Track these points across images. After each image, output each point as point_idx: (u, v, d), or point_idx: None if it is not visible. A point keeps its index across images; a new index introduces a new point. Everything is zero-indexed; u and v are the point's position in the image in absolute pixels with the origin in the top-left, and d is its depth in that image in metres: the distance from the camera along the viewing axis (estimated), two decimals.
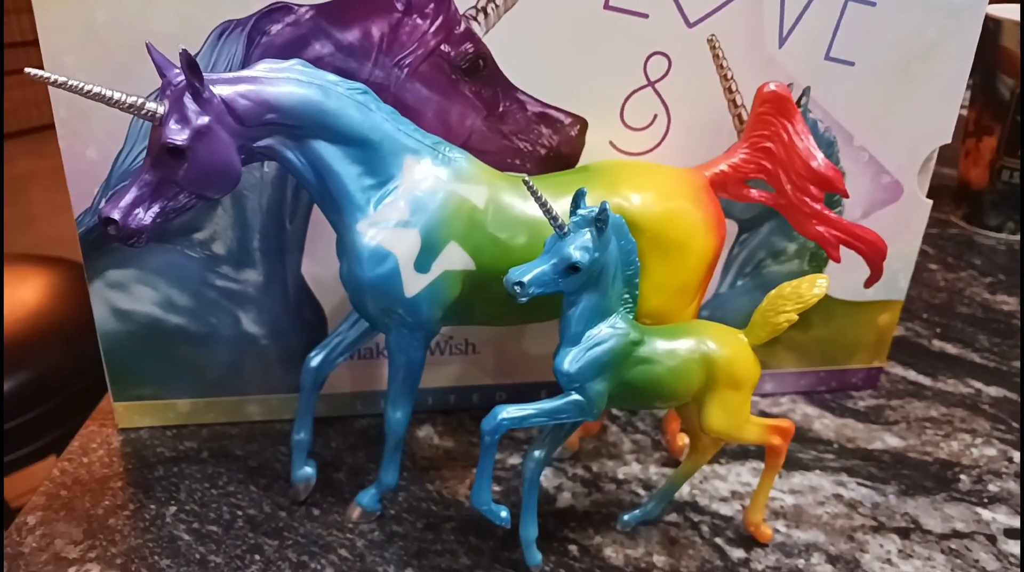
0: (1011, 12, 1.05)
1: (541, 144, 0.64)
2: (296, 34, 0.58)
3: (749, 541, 0.61)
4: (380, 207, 0.53)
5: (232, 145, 0.48)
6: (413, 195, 0.53)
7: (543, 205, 0.47)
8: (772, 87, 0.59)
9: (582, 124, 0.63)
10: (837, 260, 0.61)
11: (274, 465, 0.67)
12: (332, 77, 0.51)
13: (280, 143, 0.51)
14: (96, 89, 0.46)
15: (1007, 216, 1.12)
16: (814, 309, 0.74)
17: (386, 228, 0.53)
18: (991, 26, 1.04)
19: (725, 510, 0.64)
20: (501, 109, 0.62)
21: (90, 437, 0.69)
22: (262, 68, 0.50)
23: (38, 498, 0.63)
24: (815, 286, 0.53)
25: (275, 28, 0.57)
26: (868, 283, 0.64)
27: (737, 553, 0.60)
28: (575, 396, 0.52)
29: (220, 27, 0.57)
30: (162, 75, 0.48)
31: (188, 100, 0.47)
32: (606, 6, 0.60)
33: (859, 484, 0.68)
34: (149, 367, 0.68)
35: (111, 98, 0.46)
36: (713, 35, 0.62)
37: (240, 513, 0.62)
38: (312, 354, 0.60)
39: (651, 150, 0.65)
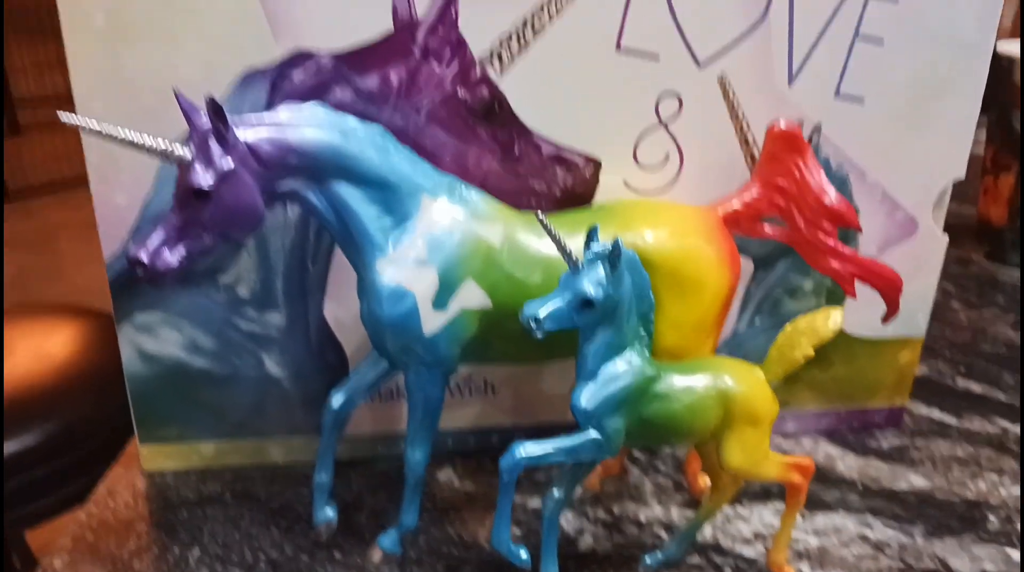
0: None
1: (556, 185, 0.65)
2: (318, 81, 0.60)
3: None
4: (398, 246, 0.54)
5: (255, 188, 0.50)
6: (431, 234, 0.54)
7: (556, 241, 0.48)
8: (782, 125, 0.60)
9: (596, 165, 0.65)
10: (853, 295, 0.62)
11: (296, 507, 0.67)
12: (352, 120, 0.53)
13: (302, 185, 0.52)
14: (126, 134, 0.48)
15: (1022, 255, 1.11)
16: (833, 347, 0.74)
17: (404, 267, 0.54)
18: (1004, 64, 1.05)
19: (748, 552, 0.64)
20: (517, 151, 0.63)
21: (116, 480, 0.70)
22: (284, 114, 0.51)
23: (64, 541, 0.63)
24: (829, 320, 0.53)
25: (298, 75, 0.59)
26: (885, 319, 0.64)
27: None
28: (593, 433, 0.52)
29: (244, 73, 0.59)
30: (189, 120, 0.49)
31: (213, 144, 0.48)
32: (618, 48, 0.61)
33: (885, 525, 0.66)
34: (174, 409, 0.69)
35: (140, 143, 0.48)
36: (723, 75, 0.63)
37: (263, 555, 0.62)
38: (333, 394, 0.61)
39: (664, 189, 0.66)
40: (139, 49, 0.58)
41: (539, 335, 0.48)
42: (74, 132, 0.51)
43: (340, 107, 0.59)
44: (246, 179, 0.49)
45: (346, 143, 0.52)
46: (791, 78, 0.64)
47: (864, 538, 0.65)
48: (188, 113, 0.49)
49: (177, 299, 0.65)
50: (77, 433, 1.48)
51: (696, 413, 0.53)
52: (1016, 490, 0.70)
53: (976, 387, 0.86)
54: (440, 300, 0.54)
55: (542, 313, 0.48)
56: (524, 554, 0.54)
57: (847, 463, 0.74)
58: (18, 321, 1.69)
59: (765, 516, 0.67)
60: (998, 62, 1.06)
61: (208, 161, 0.48)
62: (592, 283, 0.48)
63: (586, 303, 0.49)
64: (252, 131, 0.50)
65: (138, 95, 0.59)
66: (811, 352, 0.53)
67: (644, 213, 0.59)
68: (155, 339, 0.66)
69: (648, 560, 0.61)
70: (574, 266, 0.49)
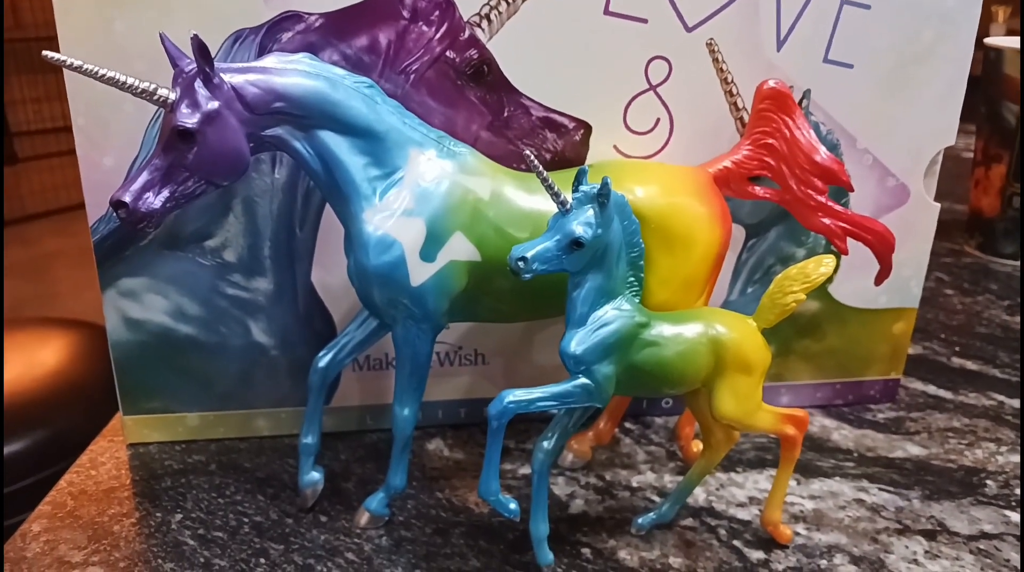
0: (1012, 41, 1.07)
1: (546, 149, 0.65)
2: (306, 42, 0.60)
3: (768, 543, 0.59)
4: (385, 197, 0.54)
5: (241, 131, 0.50)
6: (418, 185, 0.54)
7: (545, 180, 0.48)
8: (772, 84, 0.60)
9: (586, 128, 0.64)
10: (845, 252, 0.61)
11: (282, 476, 0.66)
12: (339, 70, 0.53)
13: (288, 133, 0.52)
14: (110, 74, 0.48)
15: (1020, 243, 1.11)
16: (827, 318, 0.73)
17: (391, 217, 0.53)
18: (992, 55, 1.06)
19: (743, 515, 0.63)
20: (506, 114, 0.63)
21: (99, 452, 0.69)
22: (271, 60, 0.51)
23: (44, 507, 0.62)
24: (821, 265, 0.52)
25: (286, 36, 0.59)
26: (879, 279, 0.63)
27: (756, 555, 0.58)
28: (582, 379, 0.51)
29: (233, 35, 0.59)
30: (174, 64, 0.49)
31: (199, 86, 0.48)
32: (606, 11, 0.62)
33: (881, 489, 0.66)
34: (159, 379, 0.68)
35: (124, 82, 0.48)
36: (712, 39, 0.64)
37: (246, 520, 0.61)
38: (320, 354, 0.60)
39: (655, 154, 0.66)
40: (129, 12, 0.58)
41: (526, 276, 0.48)
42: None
43: None
44: (231, 122, 0.49)
45: (333, 91, 0.52)
46: (779, 43, 0.65)
47: (860, 501, 0.64)
48: (174, 57, 0.49)
49: (163, 264, 0.65)
50: (67, 442, 1.46)
51: (687, 360, 0.52)
52: (1014, 457, 0.69)
53: (972, 365, 0.85)
54: (428, 251, 0.54)
55: (530, 254, 0.48)
56: (513, 505, 0.53)
57: (843, 434, 0.73)
58: (10, 333, 1.68)
59: (760, 482, 0.66)
60: (987, 53, 1.07)
61: (193, 102, 0.48)
62: (581, 223, 0.48)
63: (575, 244, 0.48)
64: (238, 75, 0.50)
65: (128, 60, 0.59)
66: (803, 297, 0.52)
67: (634, 171, 0.59)
68: (140, 305, 0.65)
69: (640, 521, 0.60)
70: (563, 206, 0.48)
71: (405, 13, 0.60)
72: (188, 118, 0.48)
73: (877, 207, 0.71)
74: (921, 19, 0.66)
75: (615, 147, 0.66)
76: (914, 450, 0.71)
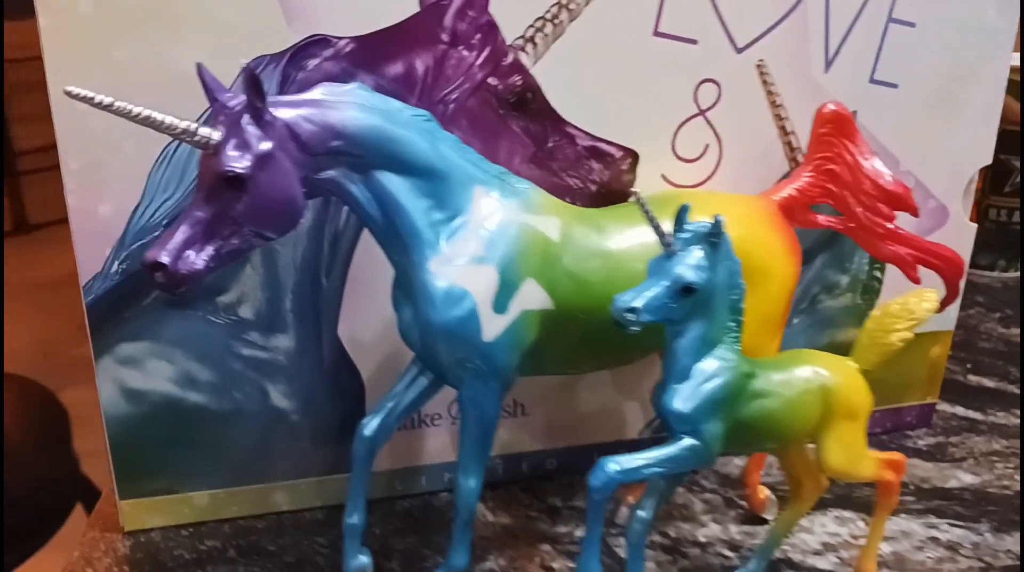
0: None
1: (591, 180, 0.60)
2: (335, 69, 0.53)
3: None
4: (452, 243, 0.47)
5: (295, 175, 0.43)
6: (486, 229, 0.48)
7: (653, 220, 0.43)
8: (831, 107, 0.57)
9: (633, 157, 0.60)
10: (917, 281, 0.59)
11: (314, 559, 0.59)
12: (396, 103, 0.47)
13: (343, 175, 0.45)
14: (145, 112, 0.40)
15: (998, 254, 1.13)
16: None
17: (461, 265, 0.47)
18: None
19: (822, 564, 0.59)
20: (550, 144, 0.58)
21: (92, 545, 0.59)
22: (321, 91, 0.45)
23: None
24: (924, 300, 0.49)
25: (312, 63, 0.53)
26: (945, 304, 0.61)
27: None
28: (689, 440, 0.46)
29: (253, 63, 0.52)
30: (213, 99, 0.42)
31: (248, 123, 0.41)
32: (655, 32, 0.57)
33: (951, 525, 0.63)
34: (163, 456, 0.59)
35: (161, 122, 0.40)
36: (762, 60, 0.60)
37: None
38: (365, 421, 0.53)
39: (703, 182, 0.62)
40: (131, 39, 0.50)
41: (635, 328, 0.43)
42: None
43: None
44: (285, 164, 0.42)
45: (392, 126, 0.46)
46: (827, 64, 0.62)
47: (935, 540, 0.61)
48: (213, 89, 0.42)
49: (169, 325, 0.56)
50: (16, 501, 1.32)
51: (796, 411, 0.48)
52: None
53: (988, 382, 0.85)
54: (500, 302, 0.48)
55: (639, 302, 0.43)
56: None
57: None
58: None
59: (828, 525, 0.63)
60: None
61: (243, 142, 0.41)
62: (691, 267, 0.43)
63: (686, 290, 0.43)
64: (290, 109, 0.43)
65: (131, 94, 0.50)
66: (910, 335, 0.49)
67: (703, 202, 0.55)
68: (141, 373, 0.57)
69: None
70: (669, 248, 0.44)
71: (444, 37, 0.54)
72: (238, 161, 0.41)
73: (918, 229, 0.68)
74: (963, 36, 0.64)
75: (663, 176, 0.61)
76: (967, 478, 0.69)
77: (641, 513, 0.49)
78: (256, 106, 0.41)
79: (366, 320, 0.59)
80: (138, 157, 0.52)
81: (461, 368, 0.49)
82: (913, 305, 0.49)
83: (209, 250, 0.42)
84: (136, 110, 0.40)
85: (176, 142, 0.52)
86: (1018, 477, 0.69)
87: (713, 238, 0.44)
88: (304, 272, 0.57)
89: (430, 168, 0.47)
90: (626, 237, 0.52)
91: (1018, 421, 0.77)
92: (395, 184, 0.46)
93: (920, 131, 0.66)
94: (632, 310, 0.42)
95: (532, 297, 0.49)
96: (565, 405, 0.66)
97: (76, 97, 0.39)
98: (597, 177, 0.60)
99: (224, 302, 0.57)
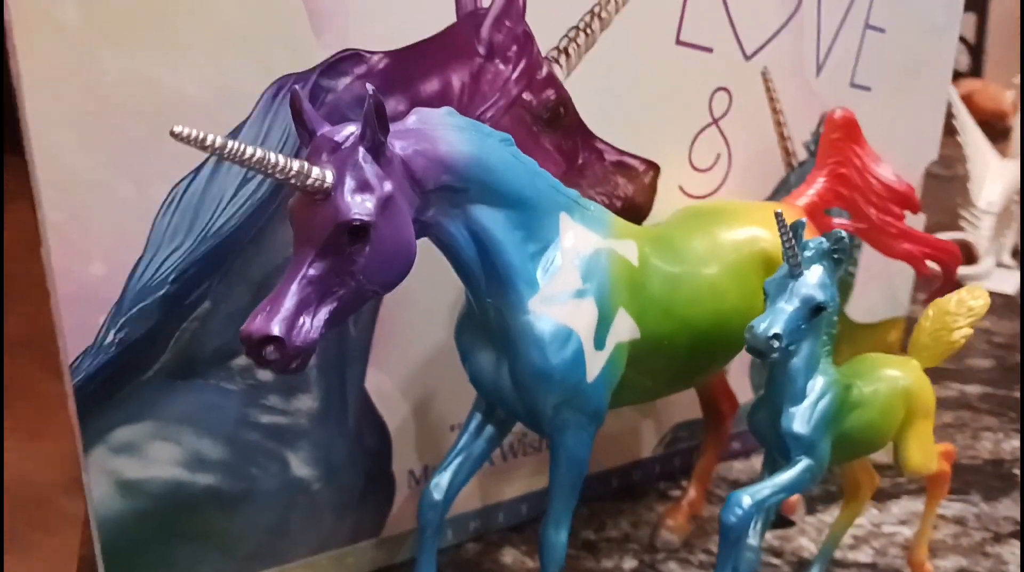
0: None
1: (617, 195, 0.57)
2: (363, 90, 0.46)
3: None
4: (549, 277, 0.43)
5: (410, 218, 0.37)
6: (579, 258, 0.44)
7: (788, 241, 0.41)
8: (840, 112, 0.59)
9: (655, 170, 0.58)
10: (928, 275, 0.61)
11: None
12: (485, 127, 0.41)
13: (443, 213, 0.40)
14: (259, 154, 0.32)
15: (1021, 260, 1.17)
16: (842, 337, 0.73)
17: (562, 302, 0.43)
18: None
19: (862, 558, 0.60)
20: (580, 161, 0.55)
21: None
22: (417, 119, 0.39)
23: None
24: (977, 296, 0.51)
25: (343, 82, 0.46)
26: (944, 293, 0.64)
27: None
28: (807, 460, 0.45)
29: (275, 85, 0.44)
30: (310, 131, 0.35)
31: (365, 161, 0.35)
32: (678, 41, 0.56)
33: (949, 500, 0.67)
34: (162, 554, 0.49)
35: (274, 164, 0.33)
36: (766, 67, 0.60)
37: None
38: (432, 483, 0.47)
39: (713, 192, 0.62)
40: (127, 53, 0.41)
41: (776, 355, 0.41)
42: None
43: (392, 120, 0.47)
44: (403, 206, 0.36)
45: (489, 155, 0.40)
46: (819, 69, 0.63)
47: (943, 517, 0.65)
48: (310, 120, 0.35)
49: (174, 400, 0.47)
50: None
51: (887, 417, 0.48)
52: (1013, 443, 0.75)
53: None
54: (599, 337, 0.44)
55: (779, 328, 0.41)
56: None
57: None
58: None
59: None
60: None
61: (363, 184, 0.34)
62: (819, 286, 0.42)
63: (816, 310, 0.42)
64: (401, 141, 0.36)
65: (123, 121, 0.41)
66: (971, 332, 0.51)
67: (743, 213, 0.54)
68: (142, 461, 0.47)
69: None
70: (796, 267, 0.42)
71: (481, 49, 0.49)
72: (361, 208, 0.34)
73: None
74: (917, 38, 0.68)
75: (680, 187, 0.60)
76: None
77: (751, 542, 0.47)
78: (379, 140, 0.34)
79: (396, 369, 0.53)
80: (136, 201, 0.43)
81: (559, 415, 0.45)
82: (970, 301, 0.51)
83: (323, 314, 0.35)
84: (250, 151, 0.32)
85: (187, 182, 0.43)
86: (979, 446, 0.75)
87: (836, 254, 0.42)
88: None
89: (521, 197, 0.42)
90: (697, 253, 0.50)
91: (952, 393, 0.84)
92: (492, 218, 0.41)
93: (884, 129, 0.69)
94: (776, 337, 0.40)
95: (624, 328, 0.46)
96: None
97: (182, 138, 0.31)
98: (622, 192, 0.57)
99: (240, 365, 0.48)
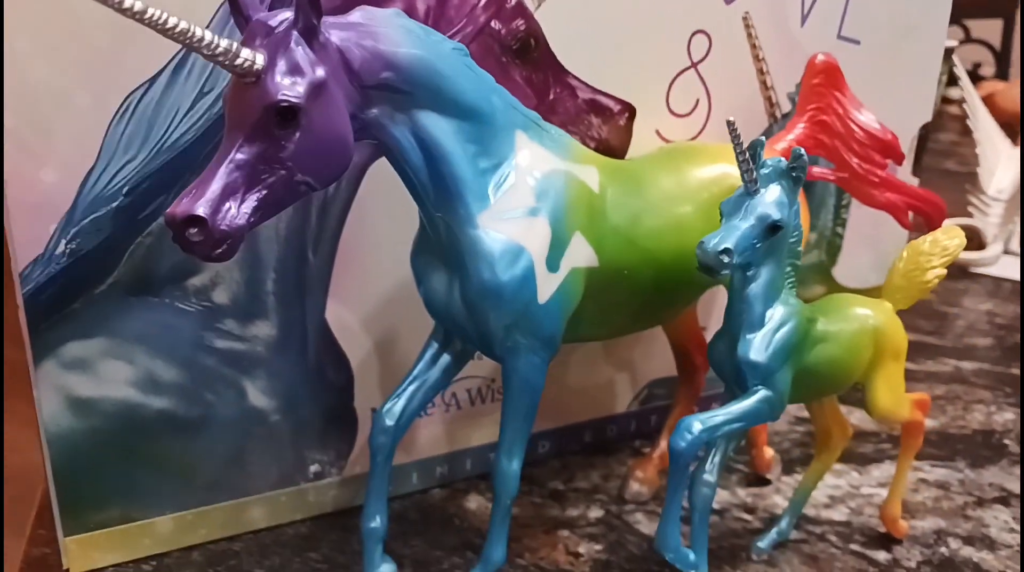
0: None
1: (590, 136, 0.56)
2: (330, 6, 0.46)
3: (884, 540, 0.56)
4: (501, 193, 0.42)
5: (346, 111, 0.36)
6: (534, 178, 0.43)
7: (741, 154, 0.40)
8: (822, 57, 0.57)
9: (631, 112, 0.57)
10: (909, 227, 0.60)
11: None
12: (437, 34, 0.41)
13: (386, 115, 0.39)
14: (183, 25, 0.32)
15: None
16: None
17: (513, 219, 0.42)
18: None
19: (837, 516, 0.59)
20: (551, 96, 0.54)
21: None
22: (360, 15, 0.38)
23: None
24: (953, 236, 0.50)
25: None
26: None
27: (881, 555, 0.55)
28: (764, 391, 0.44)
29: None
30: (245, 16, 0.35)
31: (299, 46, 0.34)
32: None
33: (932, 466, 0.65)
34: (117, 479, 0.49)
35: (194, 36, 0.32)
36: (748, 12, 0.59)
37: None
38: (384, 408, 0.46)
39: (694, 138, 0.60)
40: None
41: (725, 271, 0.40)
42: None
43: None
44: (337, 97, 0.36)
45: (439, 60, 0.40)
46: (803, 18, 0.62)
47: (924, 481, 0.63)
48: (247, 6, 0.34)
49: (128, 317, 0.47)
50: None
51: (853, 354, 0.47)
52: (1007, 415, 0.73)
53: (912, 336, 0.89)
54: (552, 259, 0.44)
55: (731, 243, 0.40)
56: (692, 556, 0.44)
57: (860, 417, 0.72)
58: None
59: (827, 479, 0.62)
60: None
61: (294, 67, 0.34)
62: (775, 204, 0.41)
63: (772, 228, 0.41)
64: (340, 31, 0.36)
65: (82, 31, 0.41)
66: (944, 272, 0.49)
67: (716, 153, 0.53)
68: (93, 378, 0.47)
69: (760, 544, 0.53)
70: (753, 185, 0.41)
71: None
72: (290, 90, 0.34)
73: None
74: None
75: (657, 131, 0.59)
76: (928, 423, 0.71)
77: (707, 477, 0.45)
78: (311, 24, 0.34)
79: (357, 301, 0.52)
80: (93, 110, 0.43)
81: (511, 336, 0.44)
82: (944, 241, 0.50)
83: (252, 201, 0.34)
84: (173, 22, 0.32)
85: (142, 91, 0.43)
86: (969, 417, 0.73)
87: (795, 173, 0.41)
88: (289, 246, 0.49)
89: (475, 110, 0.41)
90: (663, 187, 0.49)
91: (945, 368, 0.82)
92: (441, 127, 0.40)
93: (875, 88, 0.67)
94: (726, 252, 0.39)
95: (580, 254, 0.45)
96: (555, 384, 0.61)
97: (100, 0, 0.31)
98: (596, 133, 0.56)
99: (195, 286, 0.48)
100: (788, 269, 0.45)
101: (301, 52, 0.34)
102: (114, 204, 0.44)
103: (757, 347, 0.43)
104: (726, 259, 0.40)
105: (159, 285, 0.47)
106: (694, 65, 0.58)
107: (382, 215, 0.50)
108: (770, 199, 0.41)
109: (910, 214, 0.60)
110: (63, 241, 0.44)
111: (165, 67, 0.43)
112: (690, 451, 0.42)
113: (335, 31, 0.36)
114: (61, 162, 0.43)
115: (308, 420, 0.53)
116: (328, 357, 0.53)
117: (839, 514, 0.59)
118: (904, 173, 0.72)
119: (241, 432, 0.52)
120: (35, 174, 0.42)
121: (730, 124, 0.40)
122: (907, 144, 0.71)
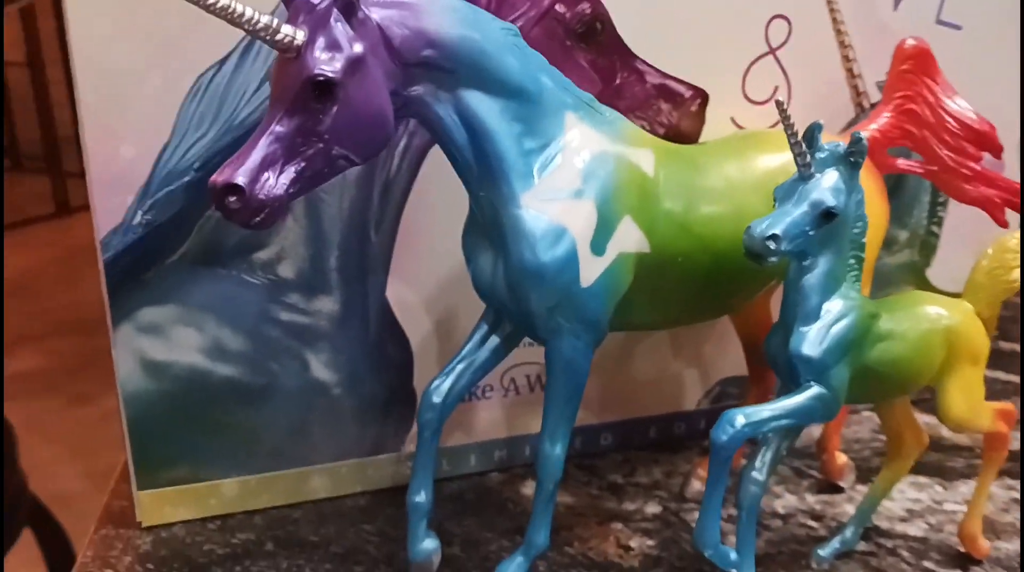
0: None
1: (659, 122, 0.55)
2: None
3: (962, 559, 0.52)
4: (546, 174, 0.42)
5: (385, 88, 0.37)
6: (581, 159, 0.43)
7: (792, 136, 0.38)
8: (912, 42, 0.54)
9: (703, 98, 0.56)
10: (1005, 225, 0.55)
11: (365, 548, 0.52)
12: (485, 13, 0.41)
13: (430, 93, 0.40)
14: (223, 1, 0.34)
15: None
16: None
17: (557, 199, 0.42)
18: None
19: (912, 531, 0.55)
20: (618, 81, 0.53)
21: (107, 544, 0.52)
22: None
23: None
24: None
25: None
26: None
27: None
28: (817, 388, 0.42)
29: None
30: None
31: (338, 23, 0.35)
32: None
33: None
34: (187, 439, 0.52)
35: (235, 12, 0.34)
36: None
37: None
38: (432, 386, 0.47)
39: (771, 127, 0.58)
40: None
41: (772, 259, 0.38)
42: None
43: None
44: (376, 73, 0.36)
45: (485, 39, 0.40)
46: (896, 1, 0.59)
47: (1016, 501, 0.58)
48: None
49: (198, 287, 0.49)
50: None
51: (921, 354, 0.44)
52: None
53: (1016, 347, 0.83)
54: (598, 242, 0.43)
55: (779, 229, 0.38)
56: (734, 555, 0.43)
57: (948, 430, 0.67)
58: None
59: (907, 492, 0.59)
60: None
61: (332, 43, 0.35)
62: (830, 190, 0.39)
63: (826, 215, 0.39)
64: (379, 9, 0.37)
65: (155, 14, 0.44)
66: None
67: (785, 142, 0.51)
68: (166, 343, 0.50)
69: (821, 552, 0.51)
70: (807, 169, 0.39)
71: None
72: (328, 64, 0.35)
73: None
74: None
75: (732, 119, 0.57)
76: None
77: (756, 475, 0.44)
78: (350, 1, 0.35)
79: (417, 281, 0.53)
80: (166, 89, 0.46)
81: (553, 318, 0.44)
82: None
83: (290, 172, 0.36)
84: None
85: (212, 72, 0.46)
86: None
87: (854, 158, 0.39)
88: (351, 225, 0.51)
89: (521, 89, 0.41)
90: (725, 173, 0.47)
91: None
92: (485, 106, 0.41)
93: (979, 76, 0.63)
94: (774, 238, 0.38)
95: (630, 238, 0.44)
96: (620, 375, 0.61)
97: None
98: (665, 119, 0.55)
99: (261, 259, 0.50)
100: (851, 261, 0.43)
101: (340, 28, 0.35)
102: (186, 178, 0.47)
103: (811, 341, 0.41)
104: (773, 246, 0.38)
105: (227, 257, 0.49)
106: (772, 51, 0.56)
107: (442, 196, 0.51)
108: (826, 185, 0.39)
109: (1007, 211, 0.56)
110: (139, 212, 0.47)
111: (234, 49, 0.45)
112: (731, 444, 0.40)
113: (376, 9, 0.37)
114: (138, 138, 0.46)
115: (369, 396, 0.55)
116: (389, 335, 0.54)
117: (916, 529, 0.55)
118: (1012, 169, 0.67)
119: (304, 403, 0.53)
120: (114, 148, 0.45)
121: (779, 104, 0.38)
122: (1015, 140, 0.66)
